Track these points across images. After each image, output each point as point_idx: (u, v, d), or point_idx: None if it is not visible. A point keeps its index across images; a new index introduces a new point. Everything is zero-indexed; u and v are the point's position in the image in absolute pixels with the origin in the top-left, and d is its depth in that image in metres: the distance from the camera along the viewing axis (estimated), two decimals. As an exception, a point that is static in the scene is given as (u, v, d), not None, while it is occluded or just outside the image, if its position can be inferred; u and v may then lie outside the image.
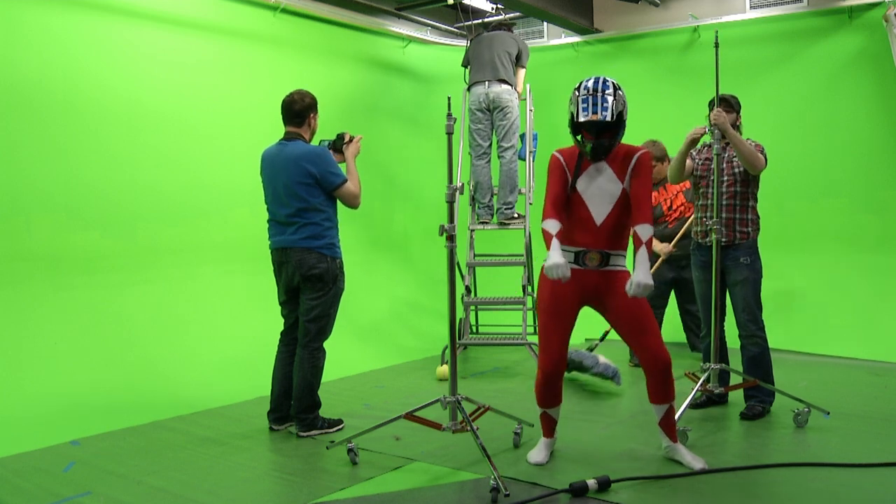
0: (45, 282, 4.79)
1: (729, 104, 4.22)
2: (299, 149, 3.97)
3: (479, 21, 7.02)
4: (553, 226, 3.34)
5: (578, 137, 3.39)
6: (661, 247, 5.35)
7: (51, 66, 4.86)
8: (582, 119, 3.30)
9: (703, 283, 4.31)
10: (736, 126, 4.22)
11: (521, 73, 6.08)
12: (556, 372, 3.46)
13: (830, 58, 6.25)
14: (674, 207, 5.48)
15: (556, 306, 3.43)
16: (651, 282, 3.22)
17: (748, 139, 4.21)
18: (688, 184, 5.34)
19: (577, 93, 3.37)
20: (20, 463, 3.67)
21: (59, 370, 4.58)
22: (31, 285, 4.72)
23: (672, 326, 5.81)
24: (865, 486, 3.15)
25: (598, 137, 3.34)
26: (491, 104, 5.91)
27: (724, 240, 4.17)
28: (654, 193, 5.45)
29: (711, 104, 4.26)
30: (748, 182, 4.19)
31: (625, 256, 3.44)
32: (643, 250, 3.27)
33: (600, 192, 3.39)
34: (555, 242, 3.31)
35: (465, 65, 6.18)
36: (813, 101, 6.28)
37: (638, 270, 3.23)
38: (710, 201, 4.22)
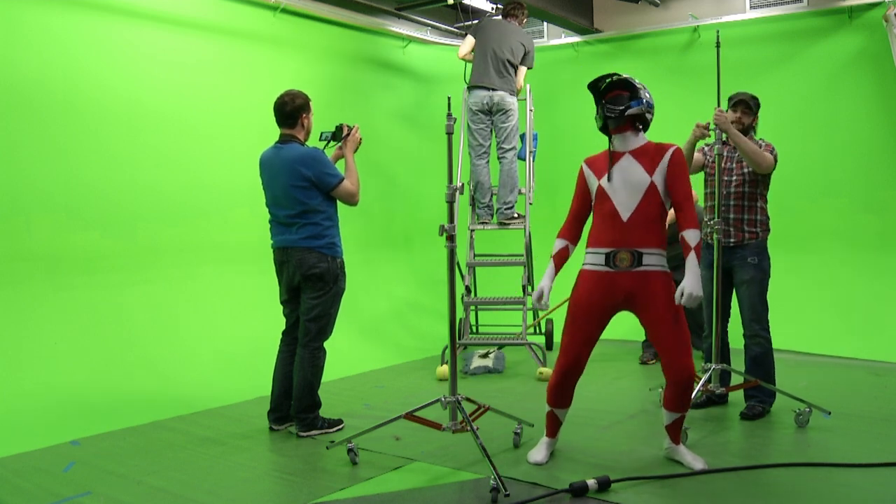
0: (45, 282, 4.79)
1: (748, 105, 4.19)
2: (293, 152, 3.97)
3: (479, 21, 7.00)
4: (557, 245, 3.52)
5: (598, 114, 3.41)
6: None
7: (51, 66, 4.86)
8: (598, 82, 3.41)
9: (708, 282, 4.30)
10: (752, 127, 4.21)
11: (524, 71, 6.05)
12: (572, 373, 3.44)
13: (830, 58, 6.25)
14: None
15: (582, 309, 3.39)
16: (700, 292, 3.24)
17: (761, 139, 4.20)
18: None
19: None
20: (20, 463, 3.67)
21: (59, 370, 4.57)
22: (31, 285, 4.72)
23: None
24: (866, 487, 3.15)
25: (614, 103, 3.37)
26: (494, 107, 5.91)
27: (732, 240, 4.18)
28: None
29: (731, 102, 4.24)
30: (756, 182, 4.17)
31: (661, 255, 3.34)
32: (692, 256, 3.26)
33: (626, 184, 3.33)
34: (549, 268, 3.49)
35: (469, 33, 6.08)
36: (813, 101, 6.28)
37: (687, 279, 3.24)
38: (716, 202, 4.23)
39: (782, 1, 6.66)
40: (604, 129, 3.47)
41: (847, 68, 6.19)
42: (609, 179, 3.37)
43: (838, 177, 6.24)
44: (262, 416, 4.27)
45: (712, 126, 4.12)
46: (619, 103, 3.36)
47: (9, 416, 4.14)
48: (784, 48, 6.46)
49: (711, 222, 4.13)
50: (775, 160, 4.14)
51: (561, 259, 3.52)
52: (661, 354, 3.36)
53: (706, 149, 4.32)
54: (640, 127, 3.42)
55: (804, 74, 6.33)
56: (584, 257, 3.48)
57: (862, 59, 6.11)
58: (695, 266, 3.24)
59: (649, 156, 3.37)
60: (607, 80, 3.42)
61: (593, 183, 3.45)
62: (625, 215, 3.32)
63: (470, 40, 6.04)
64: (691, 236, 3.28)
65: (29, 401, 4.30)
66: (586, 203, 3.51)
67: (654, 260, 3.33)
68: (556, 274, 3.50)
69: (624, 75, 3.43)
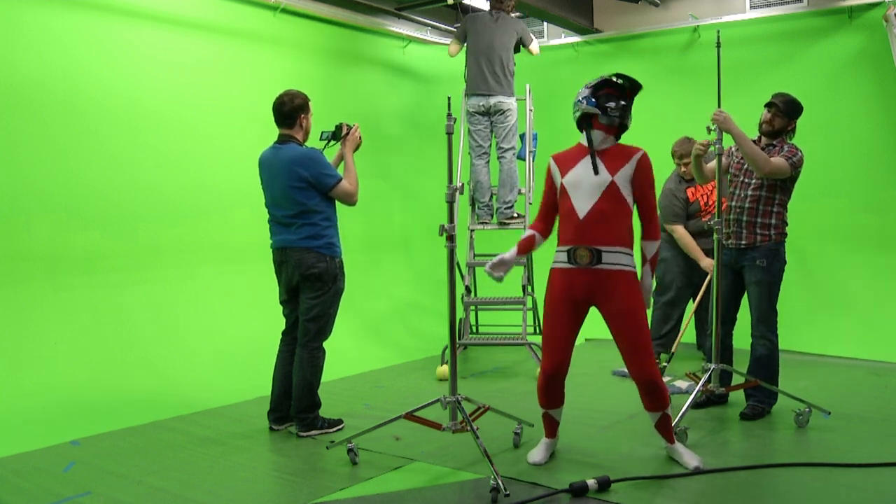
0: (45, 282, 4.78)
1: (778, 108, 4.15)
2: (291, 152, 3.97)
3: (466, 21, 6.98)
4: (526, 233, 3.63)
5: (595, 106, 3.42)
6: (707, 262, 5.18)
7: (51, 66, 4.85)
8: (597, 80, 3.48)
9: (721, 281, 4.28)
10: (787, 131, 4.19)
11: (534, 44, 6.13)
12: (557, 374, 3.44)
13: (830, 58, 6.25)
14: (710, 203, 5.45)
15: (553, 308, 3.43)
16: (646, 303, 3.41)
17: (791, 143, 4.17)
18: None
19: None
20: (20, 463, 3.67)
21: (59, 370, 4.57)
22: (31, 285, 4.71)
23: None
24: (866, 487, 3.15)
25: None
26: (491, 109, 5.92)
27: (743, 242, 4.17)
28: (692, 189, 5.40)
29: (769, 103, 4.22)
30: (774, 187, 4.12)
31: (624, 254, 3.34)
32: (647, 269, 3.42)
33: (585, 183, 3.36)
34: (513, 248, 3.57)
35: (461, 39, 6.16)
36: (813, 101, 6.22)
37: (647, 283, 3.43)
38: (733, 203, 4.22)
39: (782, 1, 6.66)
40: (580, 122, 3.48)
41: (847, 68, 6.18)
42: (596, 173, 3.37)
43: (838, 177, 6.23)
44: (262, 416, 4.27)
45: (713, 127, 4.08)
46: (609, 101, 3.40)
47: (9, 416, 4.14)
48: (784, 48, 6.46)
49: (712, 222, 4.13)
50: (792, 167, 4.05)
51: (526, 245, 3.59)
52: (622, 354, 3.38)
53: (733, 149, 4.28)
54: (613, 131, 3.44)
55: (804, 74, 6.32)
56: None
57: (862, 59, 6.10)
58: (648, 280, 3.45)
59: (612, 157, 3.40)
60: (619, 80, 3.47)
61: (557, 180, 3.48)
62: (581, 213, 3.35)
63: (456, 45, 6.19)
64: (649, 248, 3.45)
65: (29, 401, 4.30)
66: (554, 197, 3.52)
67: (615, 258, 3.32)
68: (517, 254, 3.56)
69: (621, 81, 3.46)
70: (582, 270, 3.35)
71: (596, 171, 3.36)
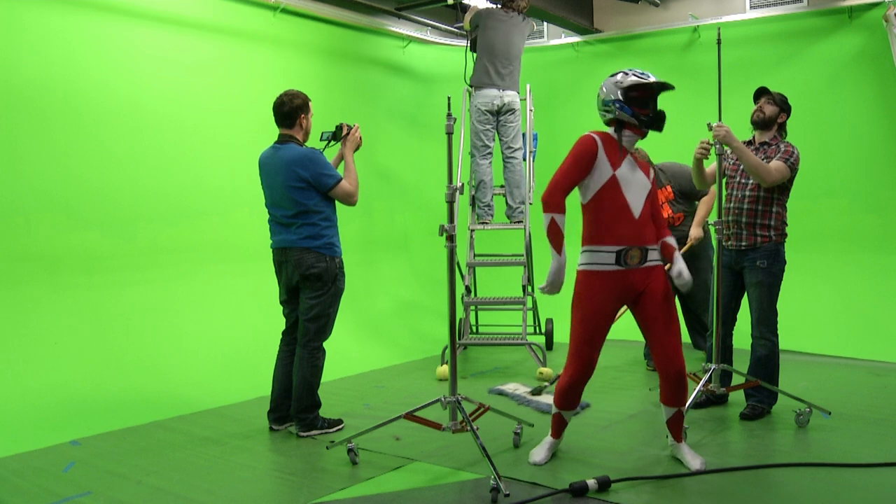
0: (45, 282, 4.78)
1: (770, 95, 4.16)
2: (291, 153, 3.96)
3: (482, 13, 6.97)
4: (562, 222, 3.26)
5: (632, 115, 3.32)
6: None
7: (51, 66, 4.85)
8: (653, 80, 3.36)
9: (719, 283, 4.28)
10: (779, 125, 4.19)
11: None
12: (584, 377, 3.44)
13: (830, 58, 6.25)
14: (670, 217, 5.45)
15: (599, 313, 3.35)
16: (689, 275, 3.46)
17: (786, 142, 4.17)
18: (672, 195, 5.34)
19: (620, 76, 3.39)
20: (20, 463, 3.67)
21: (59, 370, 4.57)
22: (31, 285, 4.71)
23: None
24: (867, 487, 3.15)
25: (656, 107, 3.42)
26: (503, 107, 5.92)
27: (743, 243, 4.16)
28: None
29: (756, 95, 4.23)
30: (772, 187, 4.12)
31: (658, 249, 3.45)
32: (678, 254, 3.49)
33: (637, 182, 3.36)
34: (562, 257, 3.28)
35: (473, 26, 6.08)
36: (813, 101, 6.28)
37: (681, 264, 3.46)
38: (731, 204, 4.22)
39: (782, 1, 6.66)
40: (617, 121, 3.37)
41: (847, 68, 6.19)
42: (618, 173, 3.30)
43: (838, 177, 6.24)
44: (262, 416, 4.27)
45: (713, 144, 4.07)
46: (643, 105, 3.37)
47: (9, 416, 4.14)
48: (784, 48, 6.46)
49: (713, 222, 4.13)
50: (790, 169, 4.04)
51: (560, 237, 3.28)
52: (655, 348, 3.39)
53: (728, 151, 4.28)
54: (642, 133, 3.45)
55: (804, 74, 6.33)
56: (580, 256, 3.42)
57: (862, 59, 6.11)
58: (681, 258, 3.50)
59: (644, 163, 3.47)
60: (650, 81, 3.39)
61: (606, 170, 3.30)
62: (636, 212, 3.35)
63: (467, 18, 6.10)
64: (672, 241, 3.50)
65: (29, 401, 4.30)
66: (584, 176, 3.31)
67: (655, 255, 3.43)
68: (560, 254, 3.29)
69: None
70: (632, 271, 3.33)
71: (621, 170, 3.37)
